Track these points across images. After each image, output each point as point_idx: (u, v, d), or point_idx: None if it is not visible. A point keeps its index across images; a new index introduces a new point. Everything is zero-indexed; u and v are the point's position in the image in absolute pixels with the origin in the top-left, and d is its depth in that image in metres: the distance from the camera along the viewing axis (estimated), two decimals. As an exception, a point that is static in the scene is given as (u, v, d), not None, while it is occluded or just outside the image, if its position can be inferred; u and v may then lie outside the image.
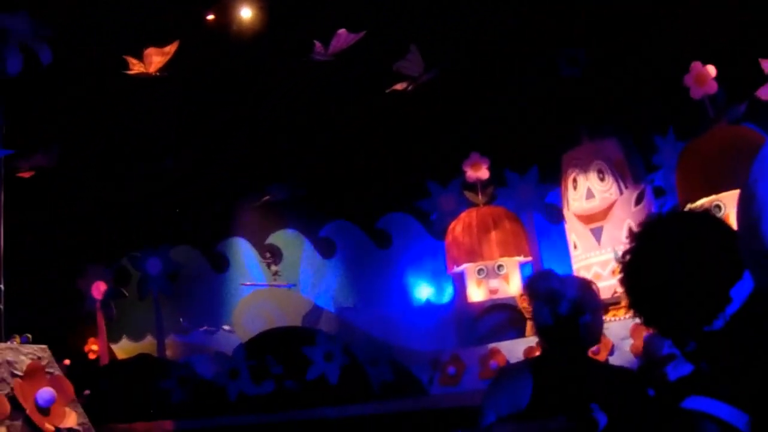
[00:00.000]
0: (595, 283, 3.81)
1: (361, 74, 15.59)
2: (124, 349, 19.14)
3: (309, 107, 16.60)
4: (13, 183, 16.81)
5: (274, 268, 19.24)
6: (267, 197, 19.08)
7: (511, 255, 15.29)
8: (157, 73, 14.62)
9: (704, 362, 2.20)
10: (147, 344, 19.03)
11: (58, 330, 17.91)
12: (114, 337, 19.17)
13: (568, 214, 14.42)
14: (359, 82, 15.91)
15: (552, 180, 15.78)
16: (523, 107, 15.99)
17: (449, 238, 15.79)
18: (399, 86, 15.16)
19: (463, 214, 15.75)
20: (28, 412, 6.95)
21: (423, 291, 18.78)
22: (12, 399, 6.96)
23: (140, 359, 17.03)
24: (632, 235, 2.36)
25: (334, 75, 15.36)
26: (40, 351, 7.74)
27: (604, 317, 4.17)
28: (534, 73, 15.54)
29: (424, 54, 14.78)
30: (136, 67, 14.55)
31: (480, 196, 15.79)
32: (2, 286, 11.59)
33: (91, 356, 18.27)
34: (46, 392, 7.17)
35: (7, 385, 7.04)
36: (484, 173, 15.73)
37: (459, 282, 16.28)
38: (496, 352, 13.06)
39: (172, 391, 15.69)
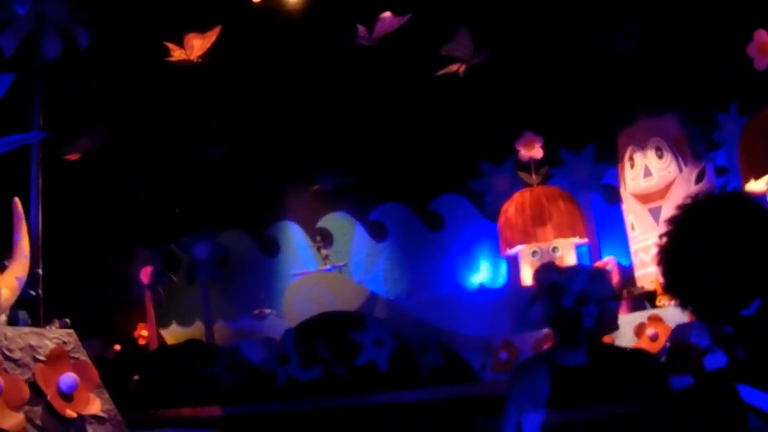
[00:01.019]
0: (607, 272, 3.83)
1: (410, 57, 15.16)
2: (173, 334, 19.02)
3: (359, 89, 16.20)
4: (62, 167, 16.85)
5: (324, 252, 18.88)
6: (316, 186, 18.72)
7: (566, 236, 14.73)
8: (199, 60, 14.37)
9: (740, 349, 2.21)
10: (196, 330, 18.86)
11: (109, 316, 17.93)
12: (163, 323, 19.05)
13: (625, 193, 13.81)
14: (409, 65, 15.48)
15: (609, 159, 15.14)
16: (578, 84, 15.34)
17: (502, 219, 15.29)
18: (449, 70, 14.72)
19: (516, 195, 15.23)
20: (49, 397, 6.66)
21: (476, 274, 18.25)
22: (33, 384, 6.66)
23: (189, 345, 16.90)
24: (669, 219, 2.33)
25: (383, 58, 14.96)
26: (66, 336, 7.45)
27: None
28: (589, 49, 14.89)
29: (474, 34, 14.33)
30: (176, 54, 14.31)
31: (534, 176, 15.25)
32: (40, 271, 11.51)
33: (141, 342, 18.18)
34: (68, 378, 6.88)
35: (29, 370, 6.78)
36: (537, 152, 15.19)
37: (513, 265, 15.78)
38: (550, 337, 12.53)
39: (220, 376, 15.52)
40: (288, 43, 15.35)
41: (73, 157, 16.40)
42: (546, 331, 12.68)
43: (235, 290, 19.37)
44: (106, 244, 18.13)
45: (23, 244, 7.71)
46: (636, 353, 3.80)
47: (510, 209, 15.11)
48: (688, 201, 2.35)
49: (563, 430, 3.39)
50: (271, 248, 20.11)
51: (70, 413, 6.81)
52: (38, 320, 11.20)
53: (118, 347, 17.37)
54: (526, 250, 14.85)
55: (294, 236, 20.01)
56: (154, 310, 17.98)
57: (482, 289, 17.62)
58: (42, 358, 6.97)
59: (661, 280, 2.33)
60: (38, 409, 6.58)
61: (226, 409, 14.92)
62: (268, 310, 18.66)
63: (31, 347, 7.00)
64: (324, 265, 18.78)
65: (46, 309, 14.80)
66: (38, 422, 6.53)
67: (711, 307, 2.25)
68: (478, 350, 14.33)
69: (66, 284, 17.34)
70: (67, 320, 12.03)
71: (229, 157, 17.88)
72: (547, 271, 3.61)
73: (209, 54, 14.31)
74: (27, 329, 7.40)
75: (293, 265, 19.52)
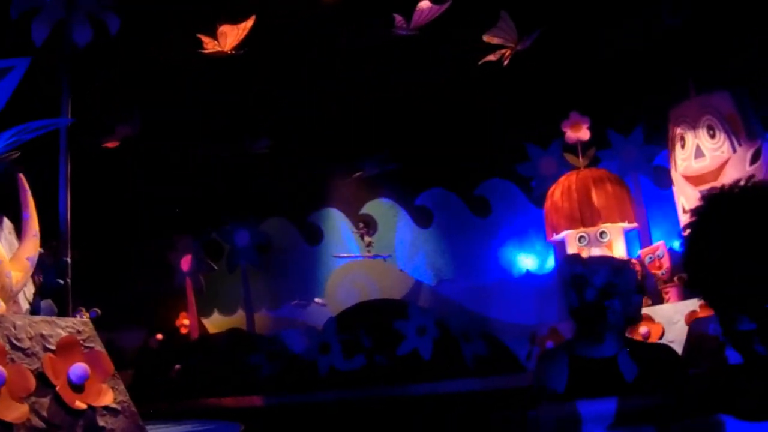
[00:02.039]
0: (632, 264, 3.85)
1: (452, 42, 14.74)
2: (215, 323, 18.94)
3: (401, 74, 15.82)
4: (102, 155, 16.81)
5: (367, 239, 18.56)
6: (359, 173, 18.39)
7: (614, 221, 14.12)
8: (233, 52, 14.12)
9: (760, 345, 2.17)
10: (238, 318, 18.77)
11: (152, 305, 17.90)
12: (206, 312, 19.00)
13: (675, 175, 13.19)
14: (451, 51, 15.07)
15: (660, 140, 14.50)
16: (625, 61, 14.71)
17: (548, 203, 14.74)
18: (493, 57, 14.27)
19: (562, 178, 14.67)
20: (58, 388, 6.38)
21: (523, 261, 17.74)
22: (41, 375, 6.40)
23: (230, 334, 16.81)
24: (693, 210, 2.37)
25: (424, 45, 14.58)
26: (81, 324, 7.20)
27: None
28: (635, 23, 14.26)
29: (516, 17, 13.88)
30: (210, 46, 14.10)
31: (581, 159, 14.67)
32: (68, 260, 11.36)
33: (183, 331, 18.12)
34: (78, 368, 6.63)
35: (37, 359, 6.53)
36: (584, 134, 14.60)
37: (560, 251, 15.24)
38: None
39: (261, 366, 15.40)
40: (327, 30, 15.03)
41: (112, 144, 16.32)
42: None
43: (277, 278, 19.18)
44: (147, 233, 18.06)
45: (32, 222, 7.46)
46: (658, 347, 3.71)
47: (556, 193, 14.55)
48: (711, 192, 2.37)
49: (582, 422, 3.35)
50: (315, 236, 19.84)
51: (80, 405, 6.55)
52: (66, 309, 11.11)
53: (160, 336, 17.35)
54: (572, 235, 14.28)
55: (338, 223, 19.70)
56: (195, 298, 17.94)
57: (529, 276, 17.17)
58: (52, 347, 6.75)
59: (684, 273, 2.38)
60: (45, 401, 6.33)
61: (267, 398, 14.82)
62: (320, 301, 18.43)
63: (42, 336, 6.76)
64: (368, 253, 18.49)
65: (84, 298, 14.79)
66: (44, 414, 6.27)
67: (735, 297, 2.21)
68: (523, 339, 13.91)
69: (107, 274, 17.37)
70: (98, 310, 11.95)
71: (274, 149, 17.60)
72: (571, 263, 3.68)
73: (243, 45, 14.04)
74: (38, 318, 7.18)
75: (337, 252, 19.21)
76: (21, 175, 7.50)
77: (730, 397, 2.22)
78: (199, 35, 13.89)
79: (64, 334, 6.98)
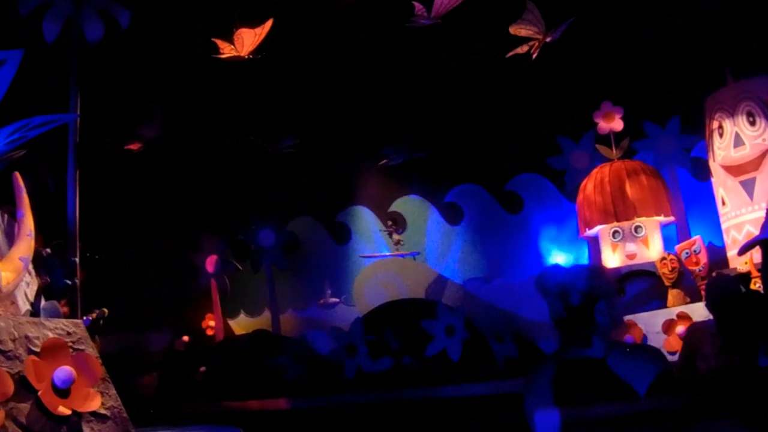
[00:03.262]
0: (606, 269, 4.22)
1: (478, 35, 14.30)
2: (241, 324, 18.61)
3: (426, 67, 15.38)
4: (125, 158, 16.67)
5: (396, 236, 18.12)
6: (385, 161, 17.94)
7: (649, 215, 13.55)
8: (250, 56, 13.85)
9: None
10: (264, 319, 18.41)
11: (178, 306, 17.67)
12: (232, 313, 18.69)
13: (714, 165, 12.60)
14: (479, 43, 14.63)
15: (698, 131, 13.87)
16: (659, 48, 14.11)
17: (580, 197, 14.24)
18: (521, 49, 13.78)
19: (594, 170, 14.16)
20: (40, 393, 6.00)
21: (556, 257, 17.15)
22: (22, 378, 6.03)
23: (255, 335, 16.47)
24: None
25: (449, 35, 14.16)
26: (71, 326, 6.81)
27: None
28: (668, 10, 13.68)
29: (543, 7, 13.41)
30: (227, 51, 13.84)
31: (614, 150, 14.11)
32: (77, 260, 11.11)
33: (209, 332, 17.83)
34: (63, 371, 6.25)
35: (20, 362, 6.16)
36: (617, 124, 14.08)
37: (594, 246, 14.69)
38: (631, 326, 11.54)
39: (286, 367, 15.01)
40: (353, 18, 14.68)
41: (135, 146, 16.19)
42: (627, 318, 11.68)
43: (304, 278, 18.82)
44: (172, 234, 17.84)
45: (27, 221, 7.16)
46: (645, 348, 3.79)
47: (588, 186, 14.02)
48: None
49: (576, 426, 3.41)
50: (342, 234, 19.42)
51: (63, 410, 6.16)
52: (75, 310, 10.88)
53: (186, 338, 17.06)
54: (606, 230, 13.74)
55: (366, 221, 19.26)
56: (220, 299, 17.66)
57: (562, 274, 16.58)
58: (37, 350, 6.39)
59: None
60: (24, 406, 5.94)
61: (293, 401, 14.44)
62: (333, 299, 18.06)
63: (27, 338, 6.38)
64: (396, 251, 18.06)
65: (107, 299, 14.59)
66: (22, 420, 5.88)
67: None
68: (555, 339, 13.29)
69: (131, 275, 17.21)
70: (105, 310, 11.66)
71: (300, 145, 17.28)
72: (554, 274, 3.75)
73: (261, 50, 13.75)
74: (25, 319, 6.83)
75: (365, 251, 18.80)
76: (17, 174, 7.23)
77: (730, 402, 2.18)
78: (214, 39, 13.63)
79: (51, 336, 6.63)
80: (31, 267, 8.92)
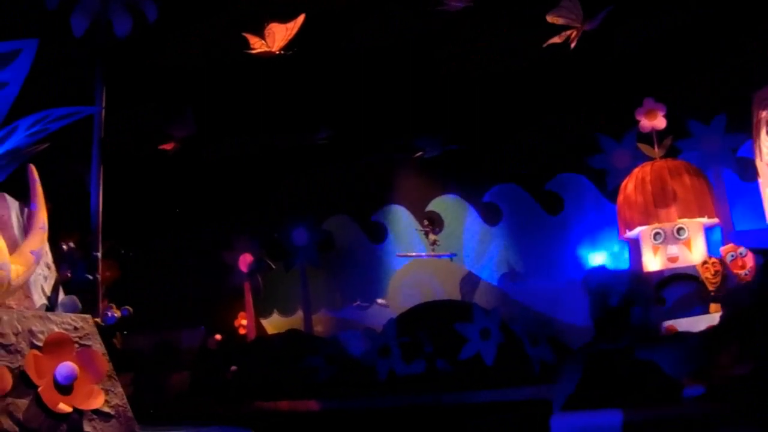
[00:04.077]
0: (649, 276, 4.36)
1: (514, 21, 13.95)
2: (274, 324, 18.45)
3: (462, 59, 15.06)
4: (159, 158, 16.64)
5: (432, 236, 17.82)
6: (420, 153, 17.59)
7: (692, 216, 13.07)
8: (281, 52, 13.62)
9: None
10: (297, 319, 18.24)
11: (211, 305, 17.57)
12: (265, 312, 18.54)
13: (761, 165, 12.14)
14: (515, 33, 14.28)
15: (744, 129, 13.35)
16: (702, 43, 13.62)
17: (620, 197, 13.81)
18: (558, 38, 13.39)
19: (635, 170, 13.71)
20: (40, 389, 5.85)
21: (596, 260, 16.68)
22: (22, 374, 5.84)
23: (287, 335, 16.32)
24: None
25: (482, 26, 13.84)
26: (79, 321, 6.62)
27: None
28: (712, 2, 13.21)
29: None
30: (257, 46, 13.63)
31: (656, 149, 13.64)
32: (99, 254, 10.98)
33: (241, 331, 17.69)
34: (64, 368, 6.08)
35: (21, 357, 5.99)
36: (660, 122, 13.63)
37: (635, 249, 14.21)
38: (672, 331, 11.03)
39: (318, 368, 14.82)
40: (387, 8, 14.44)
41: (168, 146, 16.15)
42: (668, 324, 11.25)
43: (339, 278, 18.63)
44: (205, 232, 17.74)
45: (40, 215, 7.01)
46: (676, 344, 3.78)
47: (629, 186, 13.57)
48: None
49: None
50: (378, 234, 19.13)
51: (64, 407, 5.96)
52: (96, 305, 10.76)
53: (219, 337, 16.94)
54: (647, 231, 13.28)
55: (403, 221, 18.95)
56: (253, 298, 17.51)
57: (602, 277, 16.13)
58: (40, 344, 6.18)
59: None
60: (23, 402, 5.76)
61: (324, 403, 14.27)
62: (380, 300, 17.81)
63: (31, 332, 6.19)
64: (432, 251, 17.73)
65: (139, 297, 14.50)
66: (19, 416, 5.71)
67: None
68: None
69: (164, 273, 17.16)
70: (129, 308, 11.52)
71: (334, 138, 17.05)
72: (596, 274, 3.91)
73: (292, 45, 13.53)
74: (30, 312, 6.64)
75: (401, 250, 18.50)
76: (31, 166, 7.07)
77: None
78: (245, 34, 13.41)
79: (57, 330, 6.42)
80: (50, 261, 8.76)
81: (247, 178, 17.57)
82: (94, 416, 6.22)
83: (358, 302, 17.87)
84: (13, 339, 6.03)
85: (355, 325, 17.19)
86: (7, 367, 5.82)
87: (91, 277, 10.40)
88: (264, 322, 18.30)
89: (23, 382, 5.84)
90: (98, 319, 10.39)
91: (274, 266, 17.89)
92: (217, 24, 13.78)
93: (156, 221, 17.13)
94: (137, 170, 16.46)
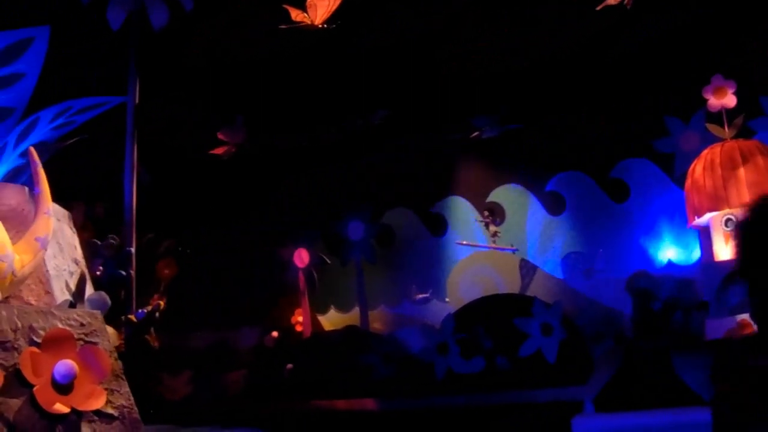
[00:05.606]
0: (695, 283, 4.32)
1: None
2: (331, 320, 18.14)
3: (516, 36, 14.50)
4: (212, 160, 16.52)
5: (492, 228, 17.27)
6: (477, 133, 17.01)
7: None
8: (324, 26, 13.20)
9: None
10: (355, 315, 17.90)
11: (267, 301, 17.42)
12: (322, 308, 18.22)
13: (842, 144, 11.19)
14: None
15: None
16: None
17: (688, 182, 12.96)
18: (613, 0, 12.68)
19: (704, 152, 12.87)
20: (36, 389, 5.47)
21: (666, 250, 15.90)
22: (17, 372, 5.48)
23: (344, 332, 15.98)
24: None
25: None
26: (87, 317, 6.25)
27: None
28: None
29: None
30: (299, 18, 13.23)
31: (726, 129, 12.80)
32: (132, 249, 10.73)
33: (298, 328, 17.41)
34: (63, 366, 5.71)
35: (18, 354, 5.67)
36: (730, 100, 12.77)
37: (706, 237, 13.38)
38: (746, 326, 10.26)
39: (375, 366, 14.45)
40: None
41: (219, 151, 16.02)
42: (742, 318, 10.49)
43: (397, 272, 18.20)
44: (260, 225, 17.51)
45: (44, 199, 6.61)
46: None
47: (697, 169, 12.73)
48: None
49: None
50: (439, 226, 18.63)
51: (60, 408, 5.56)
52: (129, 301, 10.52)
53: (275, 334, 16.69)
54: (717, 218, 12.41)
55: (463, 212, 18.42)
56: (308, 294, 17.20)
57: (670, 267, 15.31)
58: (39, 341, 5.83)
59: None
60: (15, 402, 5.39)
61: (381, 402, 13.98)
62: (421, 295, 17.33)
63: (31, 328, 5.83)
64: (493, 243, 17.17)
65: (195, 295, 14.31)
66: (9, 417, 5.33)
67: None
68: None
69: (220, 269, 17.07)
70: (161, 303, 11.25)
71: (391, 119, 16.64)
72: (640, 278, 3.98)
73: (334, 19, 13.11)
74: (32, 307, 6.30)
75: (461, 241, 18.03)
76: (32, 148, 6.69)
77: None
78: (285, 6, 13.01)
79: (61, 326, 6.07)
80: (80, 256, 8.44)
81: (301, 172, 17.33)
82: (95, 417, 5.83)
83: (419, 296, 17.42)
84: (10, 335, 5.68)
85: (414, 321, 16.84)
86: (1, 364, 5.48)
87: (124, 273, 10.18)
88: (321, 318, 18.03)
89: (17, 381, 5.49)
90: (132, 316, 10.19)
91: (329, 261, 17.59)
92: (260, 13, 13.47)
93: (210, 218, 17.02)
94: (190, 167, 16.46)
